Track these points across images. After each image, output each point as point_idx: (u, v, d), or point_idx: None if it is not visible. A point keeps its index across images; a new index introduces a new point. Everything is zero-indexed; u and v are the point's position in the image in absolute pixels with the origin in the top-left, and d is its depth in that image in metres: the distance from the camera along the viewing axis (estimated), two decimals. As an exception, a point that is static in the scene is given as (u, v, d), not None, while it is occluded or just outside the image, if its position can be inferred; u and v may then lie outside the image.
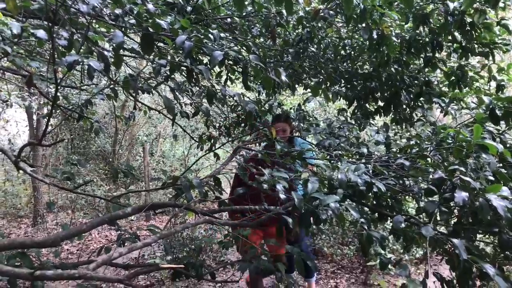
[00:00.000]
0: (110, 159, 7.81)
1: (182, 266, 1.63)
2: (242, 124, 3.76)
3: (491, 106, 1.85)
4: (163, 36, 1.63)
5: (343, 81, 2.97)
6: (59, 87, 2.77)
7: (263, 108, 3.75)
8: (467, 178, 1.23)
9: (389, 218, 1.60)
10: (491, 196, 1.19)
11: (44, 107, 6.10)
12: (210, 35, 1.63)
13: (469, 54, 2.57)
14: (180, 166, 8.61)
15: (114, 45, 1.34)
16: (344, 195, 1.48)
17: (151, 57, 1.67)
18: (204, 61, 2.49)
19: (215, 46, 1.61)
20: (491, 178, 1.42)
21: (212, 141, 3.92)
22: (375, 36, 2.02)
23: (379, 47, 2.17)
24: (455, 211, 1.42)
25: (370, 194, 1.50)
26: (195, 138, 4.00)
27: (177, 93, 2.13)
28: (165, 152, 9.15)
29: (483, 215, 1.17)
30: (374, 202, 1.58)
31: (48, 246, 1.53)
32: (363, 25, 2.04)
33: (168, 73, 1.97)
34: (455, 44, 2.61)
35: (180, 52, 1.60)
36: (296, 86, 3.68)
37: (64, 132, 8.00)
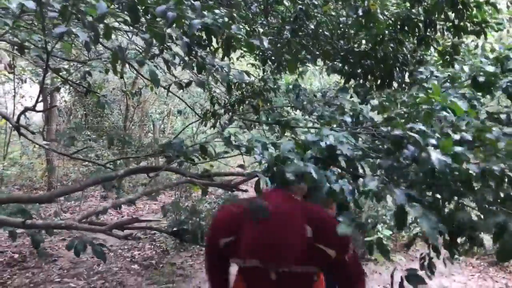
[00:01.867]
0: (122, 135, 8.01)
1: (159, 219, 1.76)
2: (247, 102, 3.85)
3: (473, 74, 1.91)
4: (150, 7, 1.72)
5: (339, 59, 3.03)
6: (69, 63, 2.88)
7: (266, 86, 3.85)
8: (414, 134, 1.31)
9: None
10: (432, 151, 1.25)
11: (57, 82, 6.28)
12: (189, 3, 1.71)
13: (462, 32, 2.61)
14: (191, 143, 8.77)
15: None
16: (317, 158, 1.58)
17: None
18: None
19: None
20: (469, 138, 1.47)
21: (216, 117, 4.05)
22: (361, 13, 2.07)
23: (366, 24, 2.22)
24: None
25: (341, 158, 1.59)
26: (199, 115, 4.13)
27: (170, 64, 2.23)
28: (176, 130, 9.32)
29: (422, 167, 1.25)
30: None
31: (43, 201, 1.68)
32: (351, 2, 2.10)
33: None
34: (448, 23, 2.64)
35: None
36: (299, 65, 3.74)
37: (77, 108, 8.22)
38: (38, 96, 1.74)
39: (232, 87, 3.83)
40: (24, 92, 7.53)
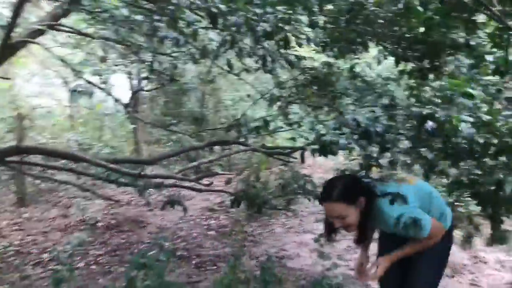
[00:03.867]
0: (197, 121, 8.73)
1: (233, 174, 2.24)
2: (314, 87, 4.21)
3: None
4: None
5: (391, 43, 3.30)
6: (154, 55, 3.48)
7: (329, 71, 4.17)
8: (436, 109, 1.65)
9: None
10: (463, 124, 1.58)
11: (143, 73, 7.07)
12: None
13: None
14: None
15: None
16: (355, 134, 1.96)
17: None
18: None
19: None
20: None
21: (281, 101, 4.47)
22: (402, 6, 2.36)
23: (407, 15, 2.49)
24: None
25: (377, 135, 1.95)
26: (266, 98, 4.57)
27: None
28: (246, 115, 9.88)
29: (450, 135, 1.58)
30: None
31: (147, 163, 2.23)
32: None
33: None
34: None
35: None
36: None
37: (160, 96, 9.04)
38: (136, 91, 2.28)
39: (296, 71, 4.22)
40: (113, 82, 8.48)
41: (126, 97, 9.65)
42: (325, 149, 1.84)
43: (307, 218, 5.42)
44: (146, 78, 4.56)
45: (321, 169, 8.07)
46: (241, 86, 9.48)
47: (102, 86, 3.97)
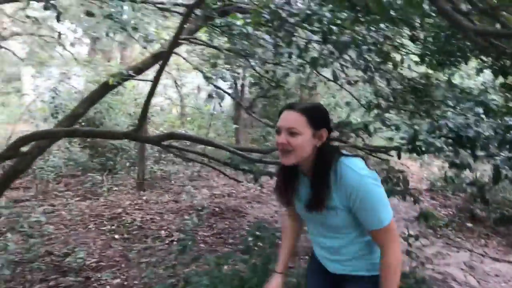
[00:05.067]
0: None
1: None
2: (411, 96, 4.44)
3: None
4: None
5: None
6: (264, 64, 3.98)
7: (427, 82, 4.37)
8: None
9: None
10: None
11: (246, 79, 7.73)
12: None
13: None
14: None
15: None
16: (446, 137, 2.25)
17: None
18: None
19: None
20: None
21: (379, 108, 4.74)
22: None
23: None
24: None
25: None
26: (364, 106, 4.86)
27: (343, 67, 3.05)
28: (341, 119, 10.16)
29: None
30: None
31: (263, 153, 2.70)
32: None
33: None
34: None
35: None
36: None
37: (260, 100, 9.71)
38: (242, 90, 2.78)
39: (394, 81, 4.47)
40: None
41: (226, 101, 10.50)
42: (418, 149, 2.16)
43: (397, 222, 5.56)
44: (255, 84, 5.12)
45: (413, 178, 8.08)
46: (338, 92, 9.80)
47: (227, 90, 4.58)
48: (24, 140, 2.59)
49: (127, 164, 7.87)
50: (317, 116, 1.60)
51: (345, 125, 2.62)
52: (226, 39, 4.44)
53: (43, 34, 8.57)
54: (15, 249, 3.64)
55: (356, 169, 1.56)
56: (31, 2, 3.22)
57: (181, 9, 4.14)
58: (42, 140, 3.31)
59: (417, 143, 2.32)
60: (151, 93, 2.54)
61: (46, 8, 3.14)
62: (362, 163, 1.61)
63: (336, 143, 2.71)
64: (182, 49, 6.76)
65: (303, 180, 1.71)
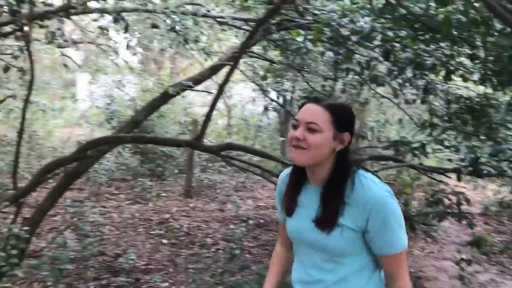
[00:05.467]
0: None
1: None
2: (468, 116, 4.32)
3: None
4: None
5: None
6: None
7: (486, 102, 4.24)
8: None
9: None
10: None
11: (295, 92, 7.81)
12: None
13: None
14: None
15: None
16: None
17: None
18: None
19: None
20: None
21: (433, 127, 4.63)
22: None
23: None
24: None
25: None
26: (417, 124, 4.77)
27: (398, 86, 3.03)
28: (389, 138, 9.97)
29: None
30: None
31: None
32: None
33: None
34: None
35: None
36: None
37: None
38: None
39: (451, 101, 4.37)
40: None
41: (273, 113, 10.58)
42: (479, 171, 2.11)
43: (448, 246, 5.41)
44: (306, 97, 5.16)
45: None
46: (388, 109, 9.64)
47: (280, 102, 4.65)
48: (93, 144, 2.75)
49: (175, 171, 8.09)
50: (343, 116, 1.40)
51: (402, 144, 2.59)
52: (277, 52, 4.53)
53: (101, 43, 9.02)
54: (73, 247, 3.83)
55: (379, 184, 1.37)
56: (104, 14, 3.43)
57: (238, 23, 4.27)
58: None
59: (479, 163, 2.26)
60: (213, 104, 2.63)
61: (116, 20, 3.34)
62: (378, 179, 1.41)
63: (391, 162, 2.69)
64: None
65: (309, 190, 1.46)
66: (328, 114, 1.36)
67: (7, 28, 3.71)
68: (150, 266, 4.28)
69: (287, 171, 1.59)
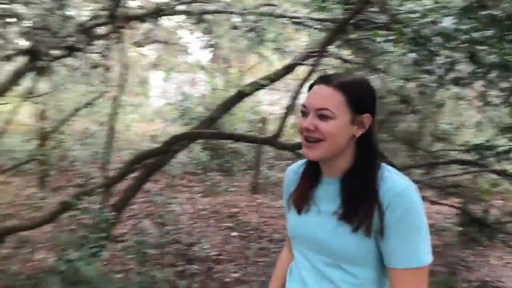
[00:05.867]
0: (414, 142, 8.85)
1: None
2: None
3: None
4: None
5: None
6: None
7: None
8: None
9: None
10: None
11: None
12: None
13: None
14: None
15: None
16: None
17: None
18: None
19: None
20: None
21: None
22: None
23: None
24: None
25: None
26: (501, 127, 4.54)
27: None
28: (468, 142, 9.47)
29: None
30: None
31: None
32: None
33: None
34: None
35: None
36: None
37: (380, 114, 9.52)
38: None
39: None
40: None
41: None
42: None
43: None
44: (379, 98, 5.10)
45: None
46: (463, 111, 9.18)
47: None
48: (177, 138, 2.96)
49: (243, 167, 8.31)
50: (360, 94, 1.14)
51: (486, 149, 2.52)
52: (348, 52, 4.53)
53: (175, 42, 9.51)
54: (152, 234, 4.11)
55: (403, 176, 1.14)
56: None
57: (310, 22, 4.33)
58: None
59: None
60: (292, 103, 2.72)
61: (200, 21, 3.54)
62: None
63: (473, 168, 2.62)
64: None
65: (325, 182, 1.23)
66: (341, 94, 1.11)
67: (99, 30, 4.06)
68: (221, 257, 4.47)
69: (297, 164, 1.37)
